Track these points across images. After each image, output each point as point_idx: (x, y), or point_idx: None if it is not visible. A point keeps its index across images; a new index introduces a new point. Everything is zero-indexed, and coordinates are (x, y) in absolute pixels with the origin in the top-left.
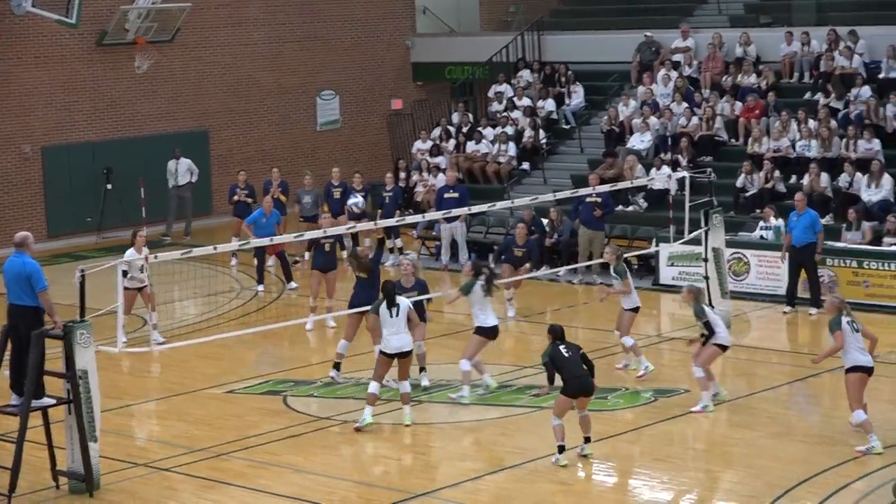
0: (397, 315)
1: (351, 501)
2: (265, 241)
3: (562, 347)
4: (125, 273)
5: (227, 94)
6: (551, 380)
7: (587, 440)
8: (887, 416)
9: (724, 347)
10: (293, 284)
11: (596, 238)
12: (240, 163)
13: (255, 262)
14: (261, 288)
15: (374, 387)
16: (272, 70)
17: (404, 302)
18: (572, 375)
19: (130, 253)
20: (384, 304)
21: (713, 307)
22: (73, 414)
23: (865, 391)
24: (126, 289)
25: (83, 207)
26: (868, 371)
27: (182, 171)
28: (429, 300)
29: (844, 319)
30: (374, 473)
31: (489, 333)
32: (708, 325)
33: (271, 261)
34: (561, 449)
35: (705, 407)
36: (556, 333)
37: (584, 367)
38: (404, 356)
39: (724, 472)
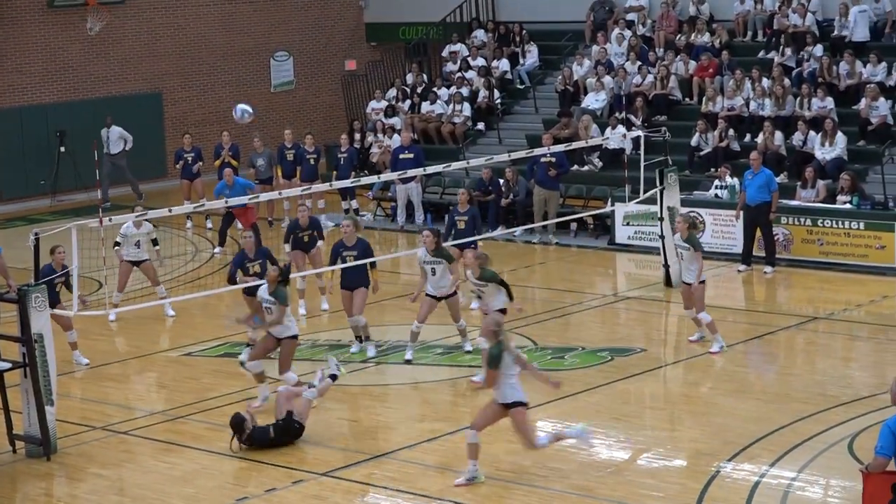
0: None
1: (307, 464)
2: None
3: None
4: (117, 243)
5: (180, 56)
6: None
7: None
8: (841, 373)
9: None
10: (219, 250)
11: (551, 197)
12: (194, 125)
13: (221, 223)
14: (218, 250)
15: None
16: (225, 31)
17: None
18: None
19: (128, 226)
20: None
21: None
22: (28, 378)
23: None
24: (122, 261)
25: (36, 170)
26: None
27: (114, 139)
28: (373, 265)
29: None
30: (331, 435)
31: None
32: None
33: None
34: None
35: (722, 347)
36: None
37: None
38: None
39: (681, 430)
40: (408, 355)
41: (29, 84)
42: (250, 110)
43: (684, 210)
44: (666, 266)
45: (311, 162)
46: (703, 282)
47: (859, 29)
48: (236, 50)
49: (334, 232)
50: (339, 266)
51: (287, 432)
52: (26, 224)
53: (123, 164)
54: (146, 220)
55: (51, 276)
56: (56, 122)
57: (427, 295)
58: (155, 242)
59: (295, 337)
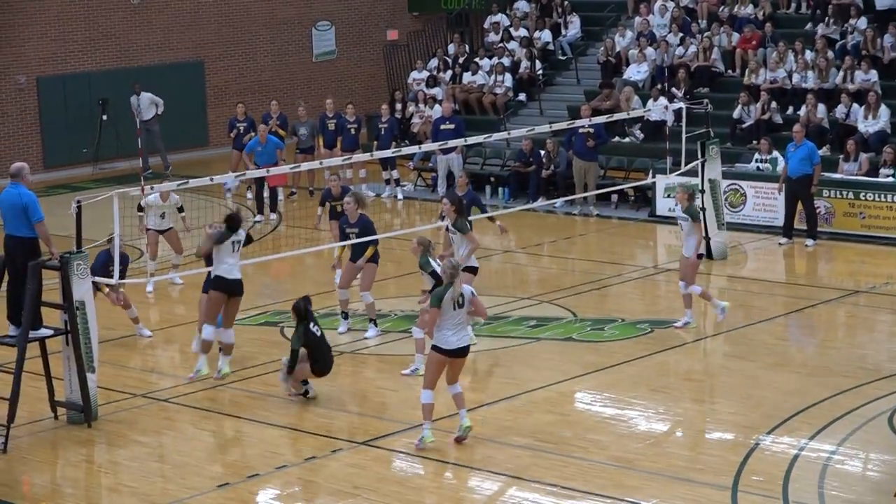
0: None
1: (348, 432)
2: (262, 172)
3: (312, 326)
4: (140, 209)
5: (222, 25)
6: (293, 365)
7: None
8: (882, 346)
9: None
10: (260, 218)
11: (590, 169)
12: (236, 94)
13: (254, 192)
14: (259, 218)
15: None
16: (267, 0)
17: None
18: (323, 353)
19: (154, 197)
20: None
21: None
22: (70, 345)
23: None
24: (148, 229)
25: (79, 138)
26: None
27: (145, 105)
28: (375, 242)
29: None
30: (372, 404)
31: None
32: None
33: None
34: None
35: (687, 324)
36: (300, 311)
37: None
38: None
39: (720, 402)
40: None
41: (72, 52)
42: None
43: (726, 182)
44: (707, 238)
45: (352, 132)
46: (700, 255)
47: None
48: (278, 19)
49: (376, 202)
50: (346, 243)
51: None
52: (69, 192)
53: (156, 129)
54: (174, 191)
55: (106, 263)
56: (98, 91)
57: None
58: (181, 210)
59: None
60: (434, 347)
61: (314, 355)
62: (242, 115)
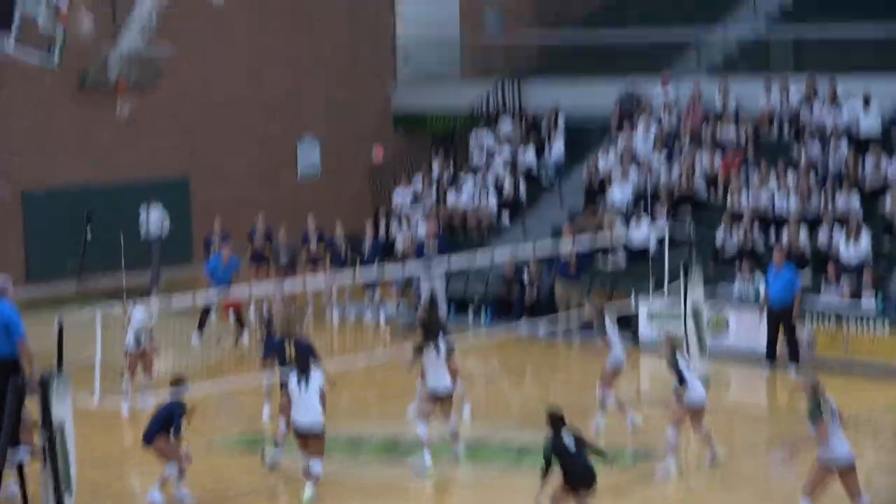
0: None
1: None
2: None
3: (564, 435)
4: (138, 340)
5: (207, 142)
6: (546, 474)
7: None
8: (864, 477)
9: (696, 408)
10: (245, 338)
11: (573, 291)
12: (221, 212)
13: (202, 311)
14: (197, 338)
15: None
16: (254, 118)
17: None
18: (576, 465)
19: (141, 317)
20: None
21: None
22: (48, 466)
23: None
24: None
25: (63, 253)
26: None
27: (153, 220)
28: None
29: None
30: None
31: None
32: (680, 377)
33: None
34: None
35: (668, 474)
36: (555, 419)
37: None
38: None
39: None
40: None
41: (58, 166)
42: None
43: (708, 307)
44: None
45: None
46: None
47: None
48: (264, 137)
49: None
50: None
51: None
52: (51, 307)
53: (158, 246)
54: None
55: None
56: (84, 205)
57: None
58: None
59: None
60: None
61: (564, 465)
62: (219, 230)
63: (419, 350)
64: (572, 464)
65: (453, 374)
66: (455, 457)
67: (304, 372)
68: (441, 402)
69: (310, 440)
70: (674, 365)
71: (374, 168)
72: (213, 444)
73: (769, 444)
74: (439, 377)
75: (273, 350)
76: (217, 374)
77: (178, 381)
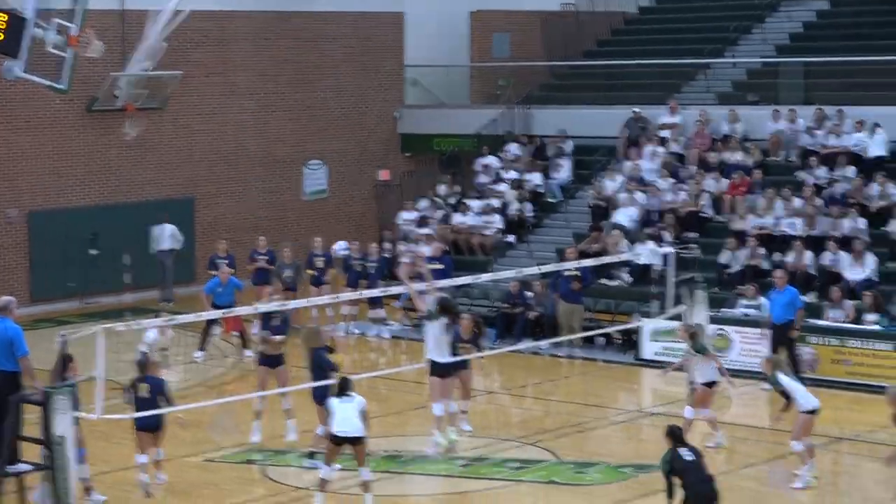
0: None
1: None
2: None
3: (682, 451)
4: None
5: (214, 162)
6: (671, 492)
7: None
8: (869, 495)
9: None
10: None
11: (575, 311)
12: (226, 231)
13: (203, 329)
14: (200, 355)
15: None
16: (261, 138)
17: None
18: (696, 481)
19: (153, 336)
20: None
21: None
22: (48, 481)
23: None
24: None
25: (68, 272)
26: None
27: (165, 236)
28: None
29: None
30: None
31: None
32: (784, 394)
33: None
34: None
35: (808, 482)
36: (675, 435)
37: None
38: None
39: None
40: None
41: (65, 187)
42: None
43: (712, 327)
44: (692, 384)
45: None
46: (712, 384)
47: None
48: (271, 157)
49: (361, 341)
50: None
51: None
52: (54, 325)
53: (169, 262)
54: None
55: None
56: (89, 225)
57: None
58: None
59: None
60: None
61: (684, 482)
62: (224, 251)
63: (429, 317)
64: (694, 480)
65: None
66: (459, 431)
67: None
68: (442, 374)
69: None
70: (775, 383)
71: (379, 189)
72: (211, 458)
73: (769, 461)
74: (441, 351)
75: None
76: (219, 390)
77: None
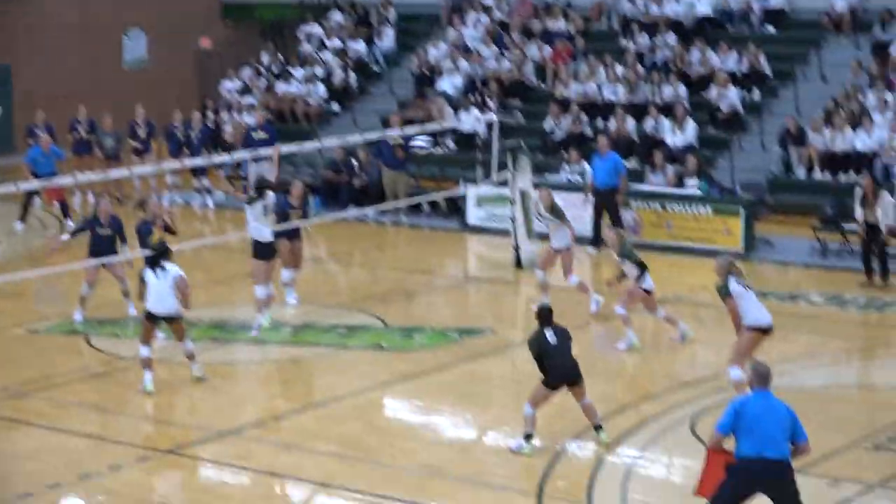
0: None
1: (154, 440)
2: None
3: (548, 332)
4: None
5: (31, 29)
6: (542, 369)
7: (598, 428)
8: (685, 354)
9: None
10: (20, 225)
11: (399, 178)
12: (44, 99)
13: (23, 200)
14: (20, 226)
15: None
16: (79, 5)
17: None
18: (556, 364)
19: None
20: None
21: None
22: None
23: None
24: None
25: None
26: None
27: None
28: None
29: (734, 280)
30: (179, 412)
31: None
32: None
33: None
34: (528, 437)
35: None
36: (542, 316)
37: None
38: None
39: None
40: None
41: None
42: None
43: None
44: (516, 248)
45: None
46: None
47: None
48: (88, 25)
49: (187, 210)
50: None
51: None
52: None
53: None
54: None
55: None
56: None
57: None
58: None
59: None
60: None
61: (548, 363)
62: (42, 121)
63: (250, 201)
64: (556, 363)
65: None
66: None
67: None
68: (264, 256)
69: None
70: (557, 213)
71: (201, 58)
72: (34, 330)
73: (595, 322)
74: (262, 232)
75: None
76: (39, 261)
77: None
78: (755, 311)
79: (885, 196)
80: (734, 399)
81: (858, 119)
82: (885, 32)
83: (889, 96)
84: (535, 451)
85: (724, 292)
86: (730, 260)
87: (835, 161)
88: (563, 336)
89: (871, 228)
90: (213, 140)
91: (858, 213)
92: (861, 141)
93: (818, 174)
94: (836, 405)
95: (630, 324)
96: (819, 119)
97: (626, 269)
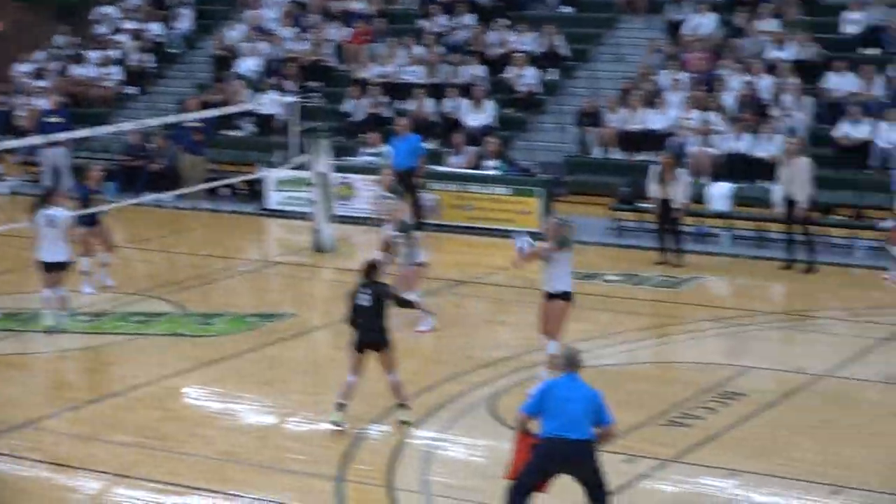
0: None
1: None
2: None
3: (363, 291)
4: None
5: None
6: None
7: (401, 406)
8: (485, 335)
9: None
10: None
11: (198, 163)
12: None
13: None
14: None
15: None
16: None
17: None
18: (360, 324)
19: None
20: None
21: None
22: None
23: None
24: None
25: None
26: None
27: None
28: None
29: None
30: None
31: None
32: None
33: None
34: (339, 406)
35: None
36: (365, 270)
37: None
38: None
39: (326, 394)
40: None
41: None
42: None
43: (336, 176)
44: (316, 231)
45: None
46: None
47: None
48: None
49: None
50: None
51: None
52: None
53: None
54: None
55: None
56: None
57: None
58: None
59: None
60: None
61: (355, 321)
62: None
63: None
64: (361, 323)
65: None
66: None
67: None
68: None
69: None
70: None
71: None
72: None
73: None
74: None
75: None
76: None
77: None
78: (567, 279)
79: (682, 174)
80: (545, 382)
81: (653, 99)
82: (678, 13)
83: (682, 76)
84: (343, 423)
85: (565, 243)
86: (568, 224)
87: (630, 140)
88: (378, 296)
89: (665, 205)
90: (6, 125)
91: (653, 190)
92: (656, 120)
93: (614, 154)
94: (632, 383)
95: (426, 306)
96: (615, 99)
97: (400, 244)
